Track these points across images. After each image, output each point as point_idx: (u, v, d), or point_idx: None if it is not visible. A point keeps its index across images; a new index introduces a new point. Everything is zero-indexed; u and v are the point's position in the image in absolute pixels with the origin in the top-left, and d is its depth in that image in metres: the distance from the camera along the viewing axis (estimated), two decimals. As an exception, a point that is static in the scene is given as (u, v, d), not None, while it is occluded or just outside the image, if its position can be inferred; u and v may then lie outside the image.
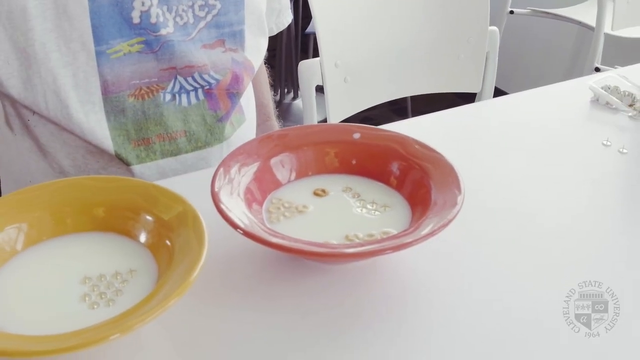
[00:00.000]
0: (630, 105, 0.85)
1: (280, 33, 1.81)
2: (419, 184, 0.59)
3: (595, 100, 0.88)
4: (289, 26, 2.14)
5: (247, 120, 0.88)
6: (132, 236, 0.53)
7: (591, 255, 0.59)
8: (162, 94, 0.76)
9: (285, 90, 2.68)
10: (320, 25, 1.05)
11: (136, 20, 0.72)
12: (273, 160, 0.61)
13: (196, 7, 0.76)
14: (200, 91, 0.79)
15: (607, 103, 0.86)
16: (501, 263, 0.57)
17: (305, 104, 1.11)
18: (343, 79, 1.11)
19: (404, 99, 2.27)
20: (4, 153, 0.84)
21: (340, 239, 0.54)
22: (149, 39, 0.73)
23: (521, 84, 2.49)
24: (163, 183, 0.58)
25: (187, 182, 0.71)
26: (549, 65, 2.54)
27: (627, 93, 0.86)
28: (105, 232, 0.54)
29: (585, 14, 2.07)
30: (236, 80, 0.81)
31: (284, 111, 2.63)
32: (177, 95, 0.77)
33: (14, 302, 0.48)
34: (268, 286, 0.54)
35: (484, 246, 0.60)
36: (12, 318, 0.47)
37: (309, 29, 2.26)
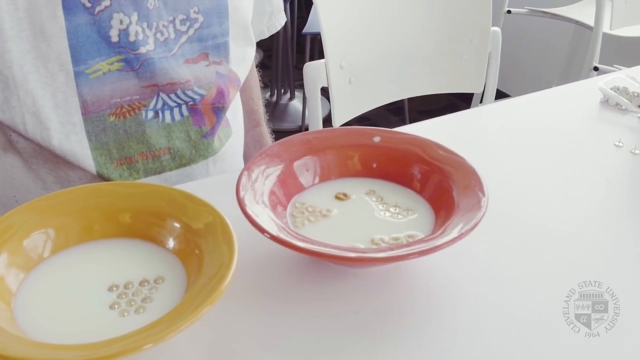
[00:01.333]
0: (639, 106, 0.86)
1: (277, 33, 1.79)
2: (441, 187, 0.59)
3: (605, 102, 0.88)
4: (285, 27, 2.13)
5: (234, 133, 0.86)
6: (159, 243, 0.53)
7: (592, 255, 0.60)
8: (144, 112, 0.74)
9: (282, 90, 2.67)
10: (326, 27, 1.05)
11: (115, 39, 0.70)
12: (296, 164, 0.61)
13: (177, 21, 0.74)
14: (184, 107, 0.76)
15: (617, 104, 0.87)
16: (506, 265, 0.58)
17: (310, 105, 1.11)
18: (348, 81, 1.11)
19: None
20: None
21: (366, 243, 0.54)
22: (129, 57, 0.71)
23: (519, 84, 2.51)
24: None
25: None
26: (547, 65, 2.55)
27: (636, 94, 0.87)
28: (131, 238, 0.53)
29: (583, 13, 2.08)
30: (221, 94, 0.79)
31: (280, 112, 2.63)
32: (160, 112, 0.75)
33: (42, 309, 0.48)
34: (295, 290, 0.54)
35: (492, 250, 0.60)
36: (41, 326, 0.47)
37: (305, 30, 2.25)
